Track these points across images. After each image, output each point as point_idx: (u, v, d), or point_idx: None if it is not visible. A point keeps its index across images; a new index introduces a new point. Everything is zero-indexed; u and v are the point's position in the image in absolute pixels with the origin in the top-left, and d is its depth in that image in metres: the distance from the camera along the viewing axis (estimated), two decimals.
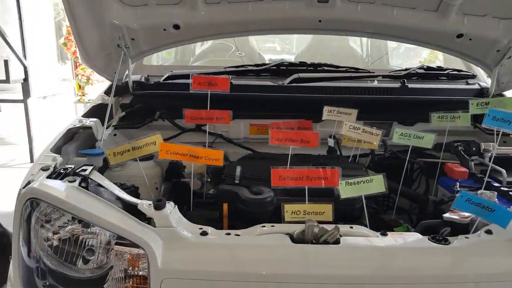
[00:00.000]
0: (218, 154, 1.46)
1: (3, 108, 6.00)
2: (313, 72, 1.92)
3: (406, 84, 1.86)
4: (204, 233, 1.22)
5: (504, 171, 1.56)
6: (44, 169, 1.34)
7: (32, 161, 5.38)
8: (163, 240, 1.17)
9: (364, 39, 3.31)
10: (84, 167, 1.39)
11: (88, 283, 1.24)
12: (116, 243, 1.20)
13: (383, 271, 1.14)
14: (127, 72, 1.96)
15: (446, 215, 1.30)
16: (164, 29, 1.79)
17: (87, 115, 1.86)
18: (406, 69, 1.98)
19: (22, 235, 1.26)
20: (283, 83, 1.88)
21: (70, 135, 1.67)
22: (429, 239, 1.20)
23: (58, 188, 1.26)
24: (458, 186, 1.46)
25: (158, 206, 1.21)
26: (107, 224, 1.18)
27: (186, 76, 1.92)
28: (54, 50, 6.92)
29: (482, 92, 1.91)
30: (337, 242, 1.18)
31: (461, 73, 2.01)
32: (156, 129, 1.91)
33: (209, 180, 1.77)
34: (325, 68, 1.97)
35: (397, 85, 1.87)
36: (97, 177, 1.36)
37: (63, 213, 1.24)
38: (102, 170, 1.63)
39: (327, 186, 1.37)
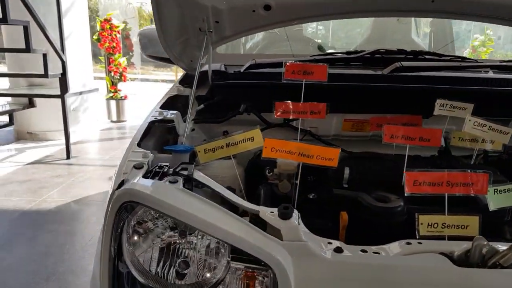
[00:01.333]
0: (333, 152, 1.22)
1: (38, 104, 5.86)
2: (413, 60, 1.66)
3: None
4: (338, 250, 0.98)
5: None
6: (138, 167, 1.13)
7: (68, 157, 5.23)
8: (293, 257, 0.94)
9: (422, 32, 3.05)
10: (184, 166, 1.17)
11: None
12: (233, 258, 0.98)
13: None
14: (203, 61, 1.74)
15: None
16: (254, 10, 1.57)
17: (163, 107, 1.65)
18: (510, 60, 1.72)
19: (113, 243, 1.05)
20: (382, 72, 1.63)
21: (151, 129, 1.46)
22: None
23: (161, 189, 1.04)
24: None
25: (286, 214, 0.99)
26: (225, 235, 0.96)
27: (269, 65, 1.70)
28: (88, 46, 6.77)
29: None
30: (510, 266, 0.93)
31: None
32: (237, 124, 1.68)
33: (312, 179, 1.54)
34: (426, 57, 1.72)
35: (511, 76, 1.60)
36: (200, 177, 1.14)
37: (162, 221, 1.03)
38: None
39: (474, 194, 1.13)
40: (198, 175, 1.14)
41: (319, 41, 2.28)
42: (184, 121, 1.58)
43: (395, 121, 1.57)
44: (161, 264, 1.05)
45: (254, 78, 1.65)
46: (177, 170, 1.15)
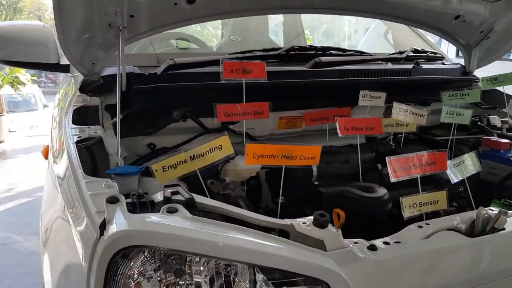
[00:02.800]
0: (315, 151, 1.17)
1: None
2: (323, 56, 1.74)
3: (420, 64, 1.85)
4: (372, 248, 0.95)
5: None
6: (112, 201, 0.86)
7: None
8: (342, 267, 0.87)
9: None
10: (171, 189, 0.94)
11: None
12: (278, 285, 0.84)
13: None
14: (100, 63, 1.45)
15: None
16: (175, 3, 1.38)
17: (73, 123, 1.30)
18: (400, 52, 1.98)
19: None
20: (304, 68, 1.65)
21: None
22: None
23: (169, 225, 0.82)
24: None
25: (324, 222, 0.90)
26: (273, 260, 0.82)
27: (192, 65, 1.53)
28: None
29: (465, 71, 2.03)
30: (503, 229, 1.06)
31: (437, 55, 2.10)
32: (164, 134, 1.47)
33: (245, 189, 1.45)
34: (333, 52, 1.81)
35: (410, 66, 1.84)
36: (203, 200, 0.94)
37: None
38: None
39: (436, 171, 1.24)
40: (200, 198, 0.94)
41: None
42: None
43: (327, 114, 1.62)
44: None
45: (182, 80, 1.45)
46: (167, 196, 0.92)
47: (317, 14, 2.22)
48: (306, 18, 3.25)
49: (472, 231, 1.04)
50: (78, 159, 1.05)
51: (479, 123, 1.81)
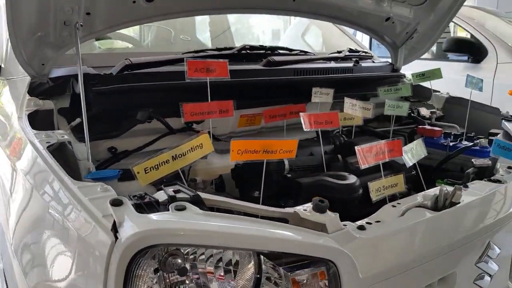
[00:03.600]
0: (292, 144, 1.25)
1: None
2: (272, 55, 1.83)
3: (360, 63, 2.03)
4: (361, 228, 1.06)
5: (456, 125, 1.95)
6: (117, 204, 0.85)
7: None
8: (344, 246, 0.96)
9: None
10: (174, 188, 0.95)
11: None
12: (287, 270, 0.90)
13: (499, 211, 1.29)
14: (50, 64, 1.38)
15: (476, 161, 1.54)
16: (134, 1, 1.36)
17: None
18: (338, 52, 2.14)
19: None
20: (259, 67, 1.72)
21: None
22: (490, 180, 1.40)
23: (180, 222, 0.84)
24: (449, 142, 1.75)
25: (324, 207, 0.98)
26: (283, 243, 0.88)
27: (149, 65, 1.51)
28: None
29: (394, 68, 2.27)
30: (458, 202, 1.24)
31: (367, 54, 2.32)
32: (125, 137, 1.44)
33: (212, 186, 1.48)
34: (280, 51, 1.91)
35: (350, 64, 2.00)
36: (207, 195, 0.96)
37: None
38: None
39: (394, 157, 1.40)
40: (204, 194, 0.96)
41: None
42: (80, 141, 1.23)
43: (284, 111, 1.71)
44: None
45: (139, 80, 1.43)
46: (171, 195, 0.93)
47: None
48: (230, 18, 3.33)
49: (436, 206, 1.20)
50: (58, 165, 1.00)
51: (412, 114, 2.05)
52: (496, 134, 1.81)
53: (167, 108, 1.44)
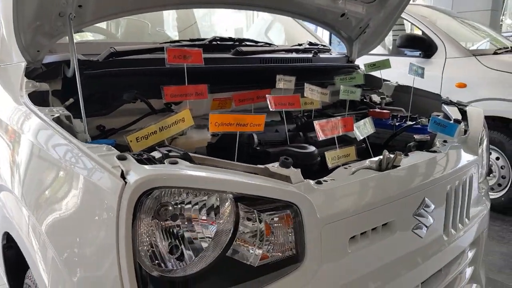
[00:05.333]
0: (261, 119, 1.52)
1: None
2: (240, 46, 2.09)
3: (319, 54, 2.32)
4: (319, 182, 1.34)
5: (403, 109, 2.28)
6: (122, 158, 1.09)
7: None
8: (306, 194, 1.23)
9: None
10: (166, 148, 1.20)
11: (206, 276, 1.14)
12: (261, 211, 1.17)
13: (431, 174, 1.61)
14: (44, 51, 1.59)
15: (417, 137, 1.87)
16: None
17: None
18: (299, 44, 2.44)
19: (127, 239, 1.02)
20: (229, 56, 1.98)
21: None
22: (428, 151, 1.73)
23: (175, 170, 1.09)
24: (396, 123, 2.07)
25: (287, 164, 1.25)
26: (258, 188, 1.14)
27: (133, 53, 1.74)
28: None
29: (348, 60, 2.58)
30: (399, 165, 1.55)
31: (325, 47, 2.62)
32: (113, 116, 1.66)
33: None
34: (247, 43, 2.18)
35: (310, 55, 2.29)
36: (194, 155, 1.21)
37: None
38: None
39: (347, 132, 1.69)
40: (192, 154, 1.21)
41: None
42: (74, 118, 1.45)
43: (252, 96, 1.97)
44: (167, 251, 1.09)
45: (126, 65, 1.66)
46: (165, 153, 1.17)
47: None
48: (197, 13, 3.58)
49: (380, 168, 1.50)
50: (66, 131, 1.23)
51: (364, 100, 2.37)
52: (438, 115, 2.15)
53: (148, 91, 1.67)
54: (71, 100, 1.56)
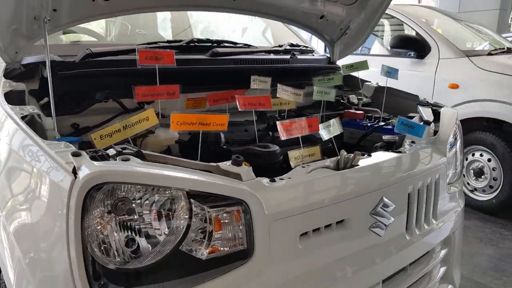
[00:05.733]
0: (224, 118, 1.58)
1: None
2: (218, 47, 2.16)
3: (296, 55, 2.38)
4: (272, 180, 1.40)
5: (378, 110, 2.32)
6: (76, 154, 1.17)
7: None
8: (255, 191, 1.30)
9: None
10: (121, 146, 1.27)
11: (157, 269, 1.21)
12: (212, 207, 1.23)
13: (391, 174, 1.66)
14: (22, 52, 1.68)
15: (385, 137, 1.92)
16: (93, 0, 1.67)
17: None
18: (279, 46, 2.50)
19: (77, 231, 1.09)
20: (204, 57, 2.05)
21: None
22: (393, 152, 1.78)
23: (132, 166, 1.16)
24: (368, 123, 2.12)
25: (238, 162, 1.32)
26: (208, 185, 1.21)
27: (108, 54, 1.82)
28: None
29: (329, 60, 2.64)
30: (357, 165, 1.60)
31: (308, 48, 2.68)
32: (87, 115, 1.74)
33: None
34: (226, 44, 2.25)
35: (287, 56, 2.35)
36: (148, 152, 1.28)
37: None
38: None
39: (312, 132, 1.75)
40: (145, 151, 1.28)
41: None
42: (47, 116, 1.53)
43: (226, 96, 2.04)
44: (120, 244, 1.16)
45: (100, 66, 1.74)
46: (119, 150, 1.24)
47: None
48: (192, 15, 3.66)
49: (338, 167, 1.56)
50: (31, 129, 1.31)
51: (341, 101, 2.42)
52: (413, 117, 2.20)
53: (122, 91, 1.74)
54: (46, 99, 1.64)
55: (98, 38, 2.67)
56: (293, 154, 1.68)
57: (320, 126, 1.77)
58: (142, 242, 1.18)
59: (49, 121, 1.50)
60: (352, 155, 1.58)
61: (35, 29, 1.61)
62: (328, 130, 1.81)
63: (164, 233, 1.19)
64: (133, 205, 1.15)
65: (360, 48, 4.01)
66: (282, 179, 1.44)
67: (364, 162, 1.63)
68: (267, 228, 1.28)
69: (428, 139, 1.93)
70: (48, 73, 1.52)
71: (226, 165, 1.32)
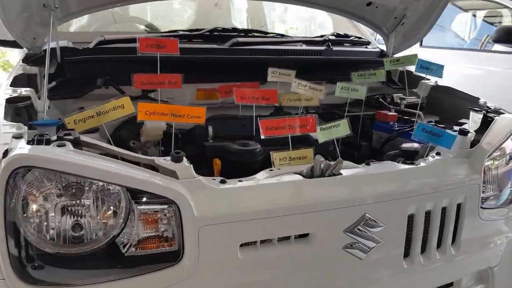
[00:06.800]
0: (200, 111, 1.51)
1: None
2: (247, 37, 2.08)
3: (331, 47, 2.18)
4: (223, 181, 1.29)
5: (421, 112, 2.01)
6: (17, 136, 1.21)
7: None
8: (190, 191, 1.21)
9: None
10: (66, 132, 1.29)
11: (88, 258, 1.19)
12: (139, 203, 1.19)
13: (381, 189, 1.41)
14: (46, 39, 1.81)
15: (404, 145, 1.65)
16: None
17: (12, 86, 1.66)
18: (322, 36, 2.31)
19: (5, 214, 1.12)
20: (224, 47, 1.99)
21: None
22: (401, 162, 1.52)
23: (54, 151, 1.16)
24: (396, 126, 1.85)
25: (178, 158, 1.24)
26: (130, 180, 1.16)
27: (120, 41, 1.87)
28: None
29: (382, 54, 2.36)
30: (339, 174, 1.40)
31: (361, 39, 2.43)
32: (93, 100, 1.81)
33: (162, 149, 1.79)
34: (255, 34, 2.15)
35: (323, 48, 2.17)
36: (88, 140, 1.29)
37: (53, 185, 1.15)
38: None
39: (306, 133, 1.58)
40: (85, 138, 1.29)
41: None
42: (39, 98, 1.64)
43: (239, 87, 1.95)
44: (56, 229, 1.17)
45: (108, 53, 1.80)
46: (61, 136, 1.26)
47: None
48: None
49: (312, 174, 1.38)
50: (2, 111, 1.40)
51: (380, 99, 2.14)
52: (463, 123, 1.86)
53: (125, 77, 1.77)
54: (54, 83, 1.76)
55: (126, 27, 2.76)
56: (277, 155, 1.53)
57: (318, 128, 1.59)
58: (71, 228, 1.18)
59: (41, 103, 1.60)
60: (334, 162, 1.39)
61: (46, 16, 1.72)
62: (329, 132, 1.61)
63: (96, 224, 1.19)
64: (61, 191, 1.16)
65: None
66: (241, 180, 1.33)
67: (350, 172, 1.42)
68: (197, 232, 1.19)
69: (460, 152, 1.60)
70: (46, 60, 1.62)
71: (164, 160, 1.25)
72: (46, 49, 1.83)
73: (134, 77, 1.74)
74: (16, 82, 1.69)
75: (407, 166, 1.50)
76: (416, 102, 2.15)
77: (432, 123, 1.89)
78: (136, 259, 1.21)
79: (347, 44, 2.36)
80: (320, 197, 1.34)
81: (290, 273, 1.32)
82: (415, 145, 1.66)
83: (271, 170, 1.40)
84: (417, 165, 1.51)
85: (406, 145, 1.65)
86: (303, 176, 1.37)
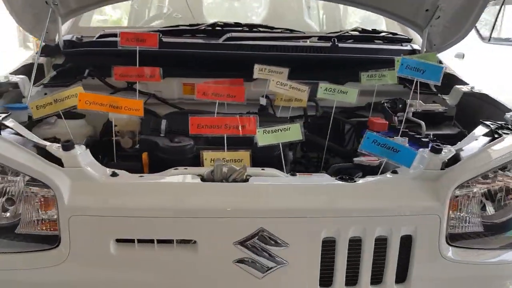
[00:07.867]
0: (138, 104, 1.52)
1: None
2: (247, 32, 2.00)
3: (337, 43, 1.96)
4: (114, 175, 1.29)
5: (423, 122, 1.68)
6: None
7: None
8: (71, 180, 1.24)
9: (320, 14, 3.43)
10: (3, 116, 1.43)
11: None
12: (27, 185, 1.26)
13: (288, 203, 1.24)
14: (52, 32, 2.02)
15: (357, 158, 1.40)
16: None
17: (16, 73, 1.90)
18: (340, 31, 2.08)
19: None
20: (217, 42, 1.95)
21: None
22: (336, 178, 1.30)
23: None
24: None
25: (67, 147, 1.28)
26: (14, 164, 1.24)
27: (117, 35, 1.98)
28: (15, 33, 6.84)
29: (414, 53, 2.02)
30: (246, 181, 1.27)
31: (396, 36, 2.11)
32: (89, 89, 1.96)
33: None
34: (260, 29, 2.05)
35: (327, 44, 1.96)
36: (14, 125, 1.41)
37: None
38: (30, 126, 1.68)
39: (245, 135, 1.46)
40: (10, 123, 1.41)
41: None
42: (45, 86, 1.85)
43: (220, 84, 1.89)
44: None
45: (100, 47, 1.93)
46: None
47: None
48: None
49: (212, 178, 1.28)
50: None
51: (384, 104, 1.83)
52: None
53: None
54: (54, 72, 1.96)
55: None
56: (208, 155, 1.46)
57: (260, 130, 1.46)
58: None
59: (31, 89, 1.79)
60: (239, 168, 1.27)
61: (53, 13, 1.92)
62: (273, 136, 1.47)
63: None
64: None
65: None
66: (143, 176, 1.32)
67: (259, 180, 1.28)
68: (67, 220, 1.22)
69: (422, 173, 1.30)
70: (38, 52, 1.82)
71: (55, 147, 1.30)
72: (58, 42, 2.06)
73: (114, 69, 1.84)
74: (22, 71, 1.92)
75: (335, 182, 1.28)
76: (436, 111, 1.80)
77: (430, 137, 1.59)
78: (27, 238, 1.29)
79: (378, 41, 2.08)
80: (208, 203, 1.23)
81: (171, 278, 1.25)
82: (374, 159, 1.40)
83: (176, 168, 1.34)
84: (352, 182, 1.28)
85: (361, 158, 1.41)
86: (202, 178, 1.28)
